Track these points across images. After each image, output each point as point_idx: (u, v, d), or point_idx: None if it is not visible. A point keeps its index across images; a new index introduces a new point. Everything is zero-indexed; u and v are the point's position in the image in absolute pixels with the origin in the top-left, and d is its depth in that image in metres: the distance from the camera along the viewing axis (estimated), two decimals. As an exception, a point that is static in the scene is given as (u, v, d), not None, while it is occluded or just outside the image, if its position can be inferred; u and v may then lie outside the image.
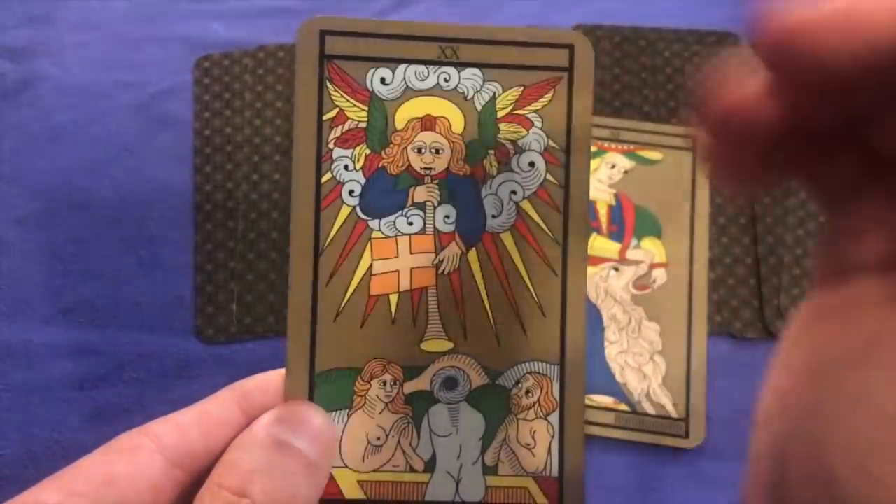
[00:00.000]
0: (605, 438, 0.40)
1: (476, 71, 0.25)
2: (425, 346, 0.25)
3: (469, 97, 0.25)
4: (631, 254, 0.41)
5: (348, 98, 0.25)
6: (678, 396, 0.40)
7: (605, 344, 0.41)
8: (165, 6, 0.47)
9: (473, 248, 0.25)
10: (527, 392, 0.25)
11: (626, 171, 0.42)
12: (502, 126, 0.25)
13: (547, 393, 0.25)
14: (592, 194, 0.41)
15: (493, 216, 0.25)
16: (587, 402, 0.40)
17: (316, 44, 0.25)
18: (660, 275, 0.40)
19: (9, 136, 0.43)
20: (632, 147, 0.42)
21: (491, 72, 0.25)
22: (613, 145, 0.42)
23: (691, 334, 0.40)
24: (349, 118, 0.25)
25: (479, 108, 0.25)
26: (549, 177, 0.25)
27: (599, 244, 0.41)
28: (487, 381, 0.25)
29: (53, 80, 0.45)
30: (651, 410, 0.40)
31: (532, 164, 0.25)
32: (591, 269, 0.40)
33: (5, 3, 0.47)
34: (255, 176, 0.42)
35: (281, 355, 0.39)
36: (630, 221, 0.41)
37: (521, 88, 0.25)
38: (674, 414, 0.40)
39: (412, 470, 0.24)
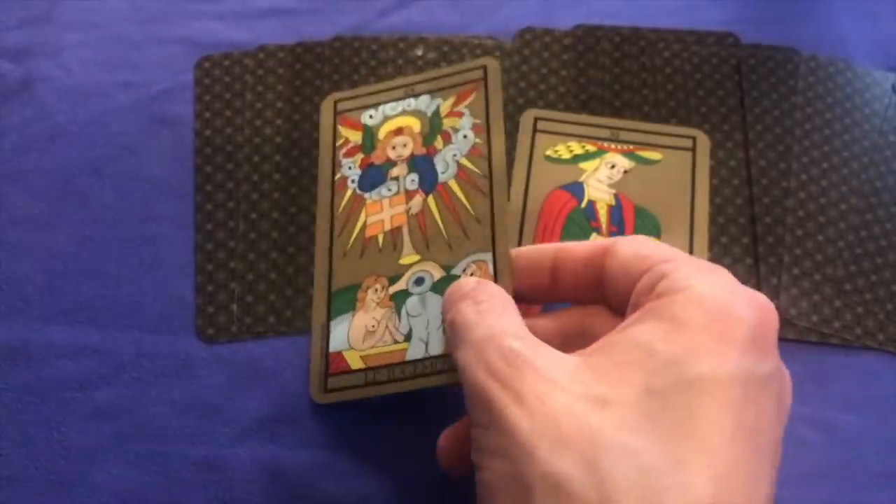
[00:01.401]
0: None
1: (426, 97, 0.40)
2: (402, 260, 0.36)
3: (423, 111, 0.39)
4: (631, 254, 0.41)
5: (350, 130, 0.41)
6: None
7: (606, 344, 0.41)
8: (166, 6, 0.47)
9: (431, 195, 0.37)
10: (471, 274, 0.34)
11: (626, 171, 0.42)
12: (445, 120, 0.39)
13: (484, 271, 0.34)
14: (592, 194, 0.41)
15: (443, 172, 0.37)
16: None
17: (331, 108, 0.42)
18: (660, 275, 0.40)
19: (9, 136, 0.43)
20: (632, 147, 0.42)
21: (436, 93, 0.40)
22: (613, 145, 0.42)
23: (691, 334, 0.40)
24: (350, 141, 0.40)
25: (429, 115, 0.39)
26: (476, 140, 0.37)
27: (599, 244, 0.41)
28: (444, 275, 0.35)
29: (53, 80, 0.45)
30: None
31: (465, 136, 0.38)
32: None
33: (5, 3, 0.47)
34: (256, 176, 0.42)
35: (283, 355, 0.40)
36: (630, 221, 0.41)
37: (456, 96, 0.39)
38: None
39: (395, 342, 0.34)
